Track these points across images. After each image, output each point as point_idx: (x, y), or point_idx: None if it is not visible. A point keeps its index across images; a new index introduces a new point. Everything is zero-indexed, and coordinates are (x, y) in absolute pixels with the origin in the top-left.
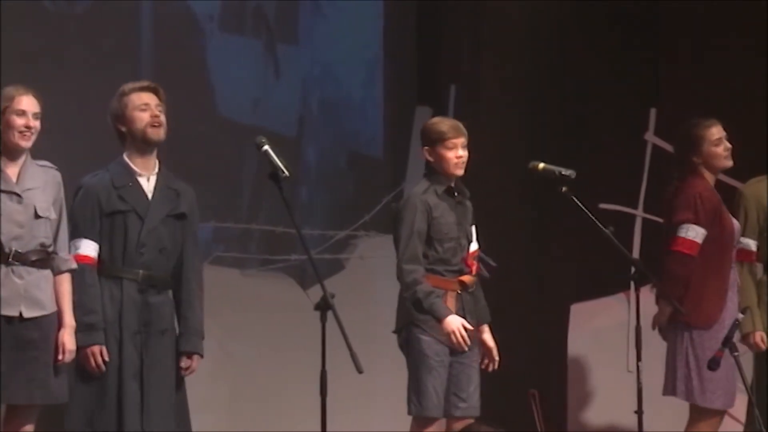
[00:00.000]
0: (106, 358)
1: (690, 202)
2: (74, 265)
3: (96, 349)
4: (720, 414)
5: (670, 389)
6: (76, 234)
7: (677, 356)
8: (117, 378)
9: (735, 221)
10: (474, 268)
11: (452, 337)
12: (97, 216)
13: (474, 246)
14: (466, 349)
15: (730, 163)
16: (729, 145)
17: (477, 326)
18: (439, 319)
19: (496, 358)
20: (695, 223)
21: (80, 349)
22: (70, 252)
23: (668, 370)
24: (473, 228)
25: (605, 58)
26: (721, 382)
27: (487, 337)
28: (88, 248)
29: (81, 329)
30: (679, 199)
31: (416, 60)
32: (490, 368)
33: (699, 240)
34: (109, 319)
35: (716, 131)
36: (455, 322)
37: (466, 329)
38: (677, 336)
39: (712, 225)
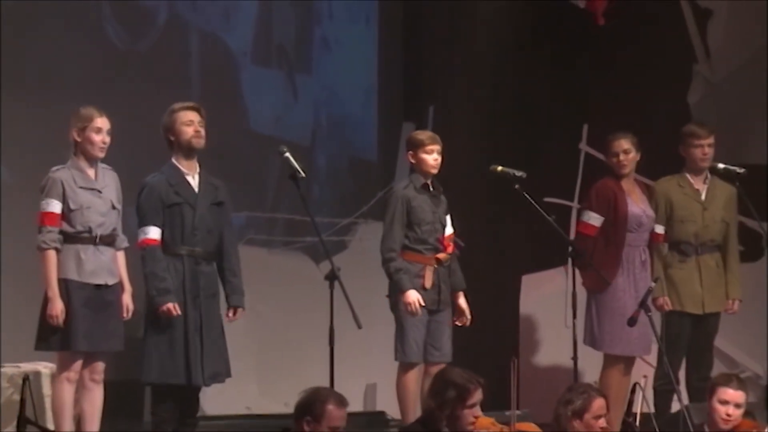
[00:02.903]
0: (179, 312)
1: (589, 194)
2: (126, 244)
3: (171, 305)
4: (623, 360)
5: (584, 339)
6: (144, 222)
7: (586, 314)
8: (183, 333)
9: (636, 209)
10: (450, 248)
11: (409, 306)
12: (160, 208)
13: (449, 230)
14: (420, 314)
15: (624, 171)
16: (628, 156)
17: (452, 292)
18: (402, 291)
19: (468, 317)
20: (589, 209)
21: (159, 306)
22: (139, 237)
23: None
24: (448, 216)
25: (550, 86)
26: (617, 334)
27: (462, 301)
28: (155, 233)
29: (158, 293)
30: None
31: (403, 87)
32: (462, 324)
33: (593, 222)
34: (175, 287)
35: (619, 144)
36: (413, 296)
37: (427, 299)
38: (587, 298)
39: (607, 212)
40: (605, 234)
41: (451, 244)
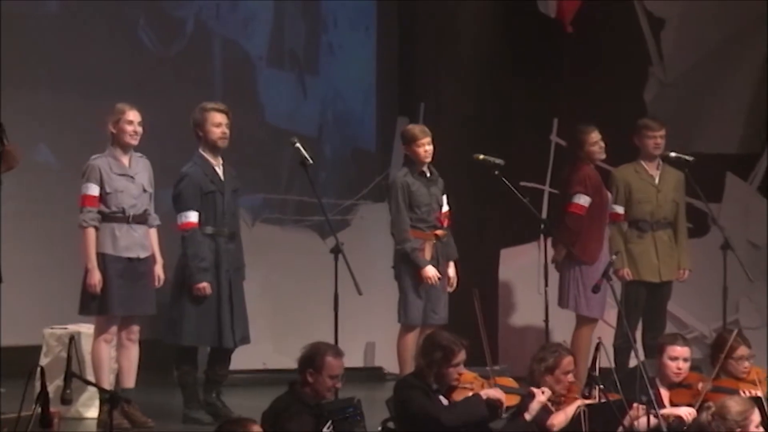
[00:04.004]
0: (210, 292)
1: (582, 179)
2: (158, 222)
3: (206, 285)
4: (595, 321)
5: (564, 304)
6: (185, 207)
7: (570, 282)
8: (217, 302)
9: (609, 194)
10: (446, 223)
11: (427, 281)
12: (198, 195)
13: (445, 208)
14: (438, 284)
15: (602, 156)
16: (603, 144)
17: (446, 262)
18: (420, 268)
19: (454, 284)
20: (584, 194)
21: (196, 284)
22: (180, 220)
23: (562, 291)
24: (444, 197)
25: (524, 85)
26: (596, 300)
27: (450, 270)
28: (195, 217)
29: (197, 272)
30: (573, 177)
31: (398, 86)
32: (449, 290)
33: (586, 204)
34: (210, 263)
35: (594, 136)
36: (431, 271)
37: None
38: (570, 268)
39: (595, 195)
40: (590, 214)
41: (447, 219)
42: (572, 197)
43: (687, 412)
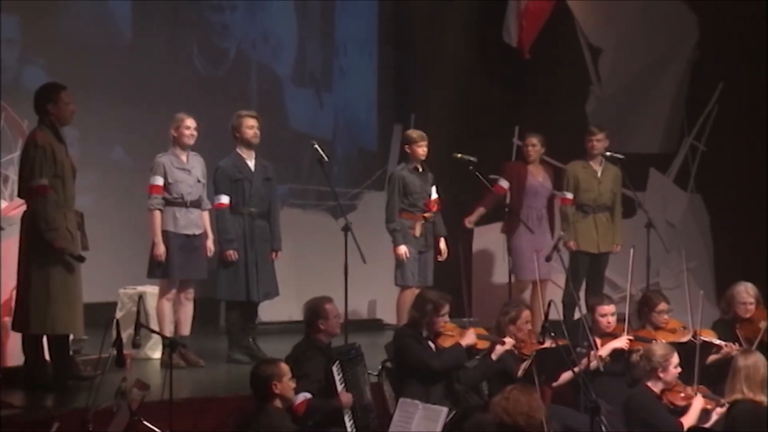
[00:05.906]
0: (236, 257)
1: (502, 168)
2: (209, 206)
3: (232, 252)
4: (528, 282)
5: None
6: (218, 191)
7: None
8: (245, 267)
9: (534, 182)
10: (434, 208)
11: (397, 257)
12: (228, 182)
13: (434, 196)
14: (405, 260)
15: (531, 158)
16: (534, 149)
17: (436, 237)
18: (396, 245)
19: (445, 255)
20: (501, 177)
21: (225, 251)
22: (214, 202)
23: None
24: (434, 188)
25: (493, 99)
26: (523, 266)
27: (442, 244)
28: (225, 199)
29: (224, 242)
30: None
31: (394, 100)
32: (442, 259)
33: (504, 185)
34: (239, 236)
35: (530, 140)
36: (401, 250)
37: (417, 243)
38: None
39: (511, 183)
40: (512, 199)
41: (436, 205)
42: (496, 180)
43: (625, 342)
